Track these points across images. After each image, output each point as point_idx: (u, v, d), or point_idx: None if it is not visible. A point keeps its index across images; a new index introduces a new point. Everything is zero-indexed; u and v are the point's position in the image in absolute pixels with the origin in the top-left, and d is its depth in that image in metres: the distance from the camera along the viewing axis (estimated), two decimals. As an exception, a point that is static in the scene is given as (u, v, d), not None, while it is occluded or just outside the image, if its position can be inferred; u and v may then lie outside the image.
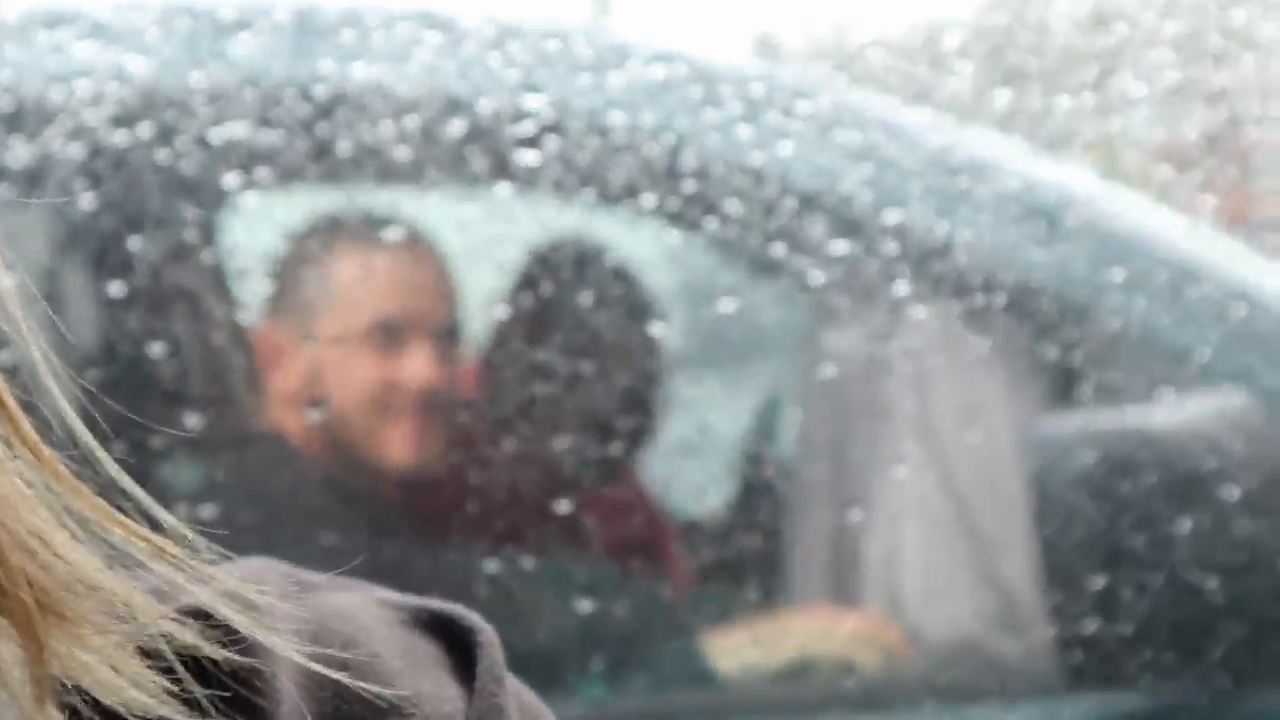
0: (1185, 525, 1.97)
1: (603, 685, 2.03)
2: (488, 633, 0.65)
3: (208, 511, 2.13)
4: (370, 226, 2.35)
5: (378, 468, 2.29)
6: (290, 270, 2.34)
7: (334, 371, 2.29)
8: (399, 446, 2.26)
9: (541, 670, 1.98)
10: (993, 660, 2.05)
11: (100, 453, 0.59)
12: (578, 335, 2.78)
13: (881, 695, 2.02)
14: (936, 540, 2.09)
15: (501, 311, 2.70)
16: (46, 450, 0.57)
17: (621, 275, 3.07)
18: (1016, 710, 2.02)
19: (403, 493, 2.36)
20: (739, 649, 2.09)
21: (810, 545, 2.17)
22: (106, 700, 0.56)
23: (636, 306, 3.11)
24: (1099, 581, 1.97)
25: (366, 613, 0.65)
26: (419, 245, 2.34)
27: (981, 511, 2.18)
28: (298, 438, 2.32)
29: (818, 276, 2.10)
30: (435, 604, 0.66)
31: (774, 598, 2.10)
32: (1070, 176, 2.27)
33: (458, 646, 0.64)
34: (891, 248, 2.12)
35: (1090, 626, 1.97)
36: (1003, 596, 2.06)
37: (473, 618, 0.65)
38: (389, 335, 2.29)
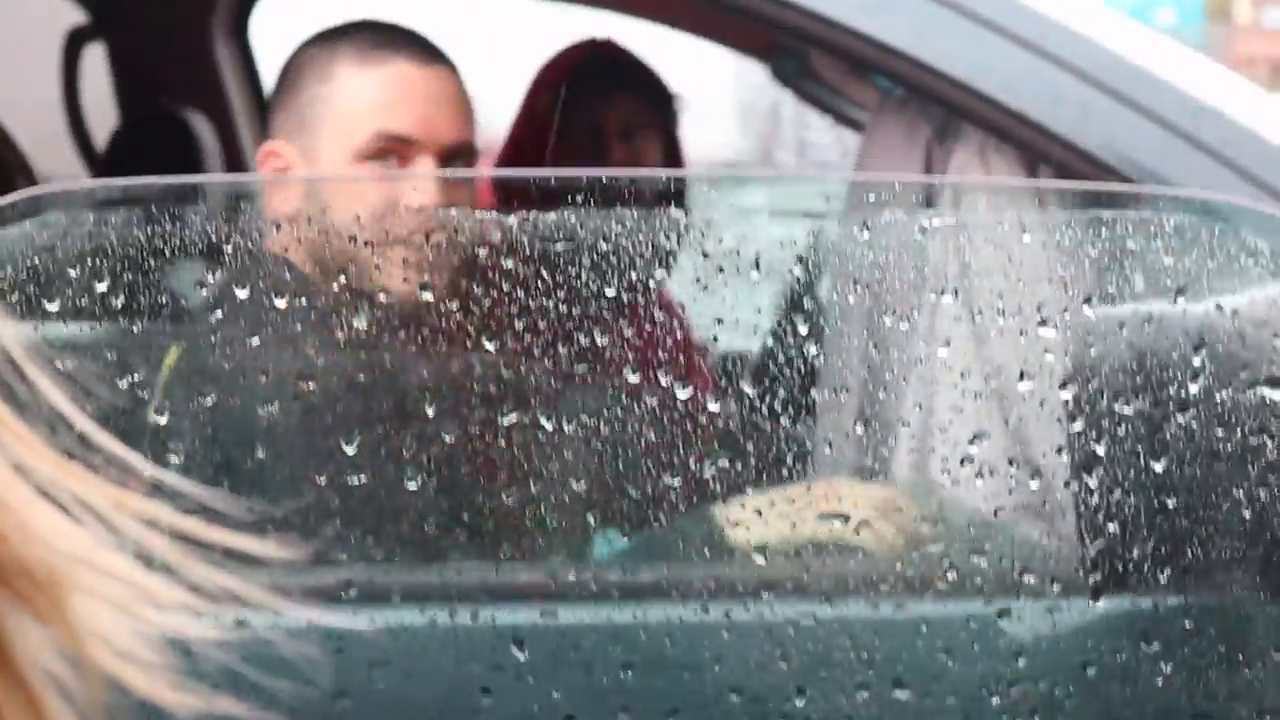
0: (1229, 424, 1.85)
1: (611, 547, 1.93)
2: None
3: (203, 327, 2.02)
4: (378, 36, 2.23)
5: (379, 294, 2.17)
6: (293, 82, 2.23)
7: (334, 190, 2.17)
8: (401, 272, 2.14)
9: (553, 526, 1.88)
10: (1015, 552, 1.95)
11: (89, 425, 0.59)
12: (600, 148, 2.64)
13: (896, 579, 1.92)
14: (969, 420, 1.98)
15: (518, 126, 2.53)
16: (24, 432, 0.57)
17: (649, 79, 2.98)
18: (1037, 606, 1.92)
19: (403, 322, 2.25)
20: (749, 518, 1.99)
21: (838, 413, 2.07)
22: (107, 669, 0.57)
23: (667, 115, 3.05)
24: (1130, 480, 1.86)
25: None
26: (429, 57, 2.22)
27: (1018, 394, 2.08)
28: (299, 260, 2.21)
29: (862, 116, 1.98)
30: None
31: (793, 467, 1.99)
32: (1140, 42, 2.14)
33: None
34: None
35: (1122, 525, 1.87)
36: (1033, 486, 1.95)
37: None
38: (392, 153, 2.17)
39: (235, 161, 3.31)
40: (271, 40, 2.24)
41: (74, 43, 3.53)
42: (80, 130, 3.52)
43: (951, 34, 2.04)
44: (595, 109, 2.96)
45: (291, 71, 2.24)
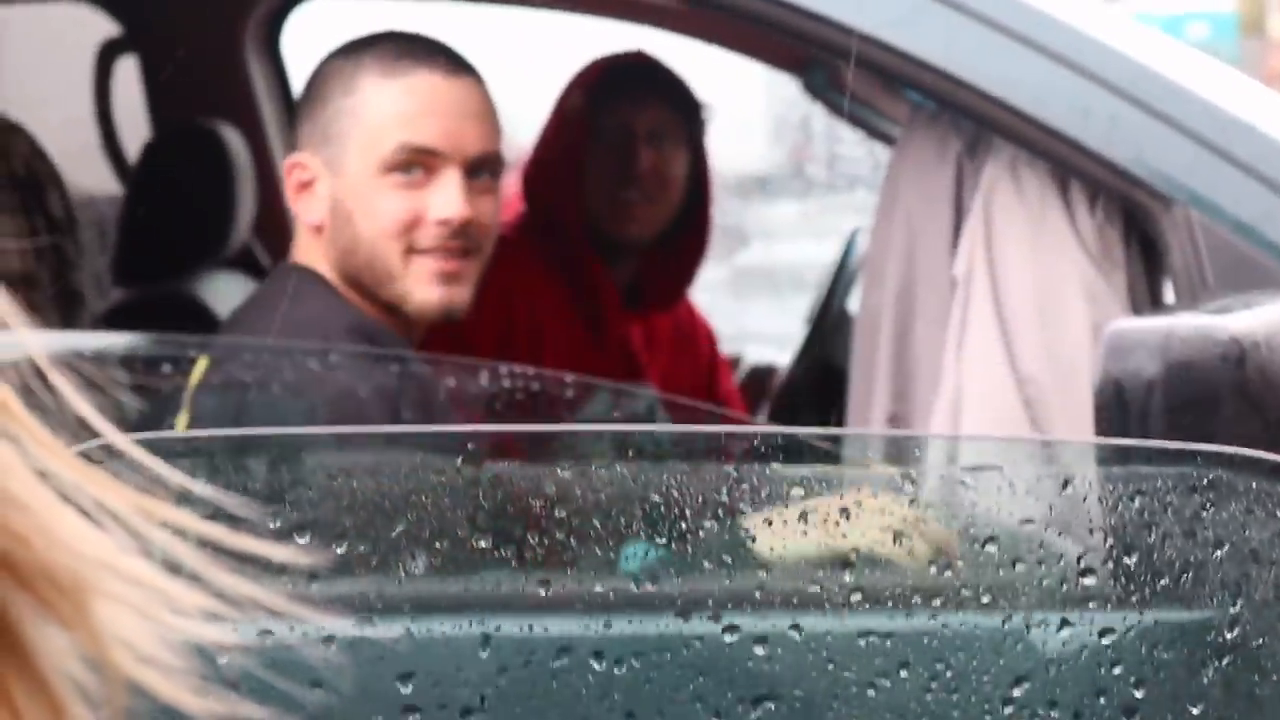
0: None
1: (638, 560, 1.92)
2: None
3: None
4: (402, 48, 2.23)
5: (405, 306, 2.17)
6: (319, 94, 2.23)
7: (358, 202, 2.17)
8: (426, 284, 2.14)
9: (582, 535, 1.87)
10: (1045, 566, 1.95)
11: (117, 436, 0.60)
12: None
13: (926, 594, 1.91)
14: (999, 432, 1.98)
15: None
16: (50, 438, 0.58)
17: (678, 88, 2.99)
18: (1068, 620, 1.91)
19: (430, 333, 2.25)
20: (775, 531, 1.98)
21: (865, 424, 2.06)
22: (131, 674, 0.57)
23: (694, 124, 3.07)
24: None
25: None
26: (454, 68, 2.22)
27: (1048, 407, 2.07)
28: (327, 272, 2.21)
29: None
30: None
31: (819, 480, 1.98)
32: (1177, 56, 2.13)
33: None
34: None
35: (1152, 540, 1.86)
36: (1063, 499, 1.95)
37: None
38: (417, 165, 2.16)
39: (266, 174, 3.32)
40: (303, 51, 2.23)
41: (107, 55, 3.54)
42: (112, 143, 3.53)
43: (982, 48, 2.03)
44: (624, 114, 2.98)
45: (317, 83, 2.23)
